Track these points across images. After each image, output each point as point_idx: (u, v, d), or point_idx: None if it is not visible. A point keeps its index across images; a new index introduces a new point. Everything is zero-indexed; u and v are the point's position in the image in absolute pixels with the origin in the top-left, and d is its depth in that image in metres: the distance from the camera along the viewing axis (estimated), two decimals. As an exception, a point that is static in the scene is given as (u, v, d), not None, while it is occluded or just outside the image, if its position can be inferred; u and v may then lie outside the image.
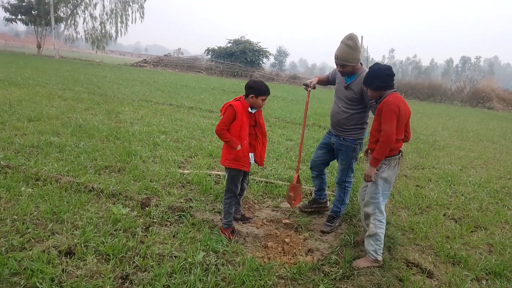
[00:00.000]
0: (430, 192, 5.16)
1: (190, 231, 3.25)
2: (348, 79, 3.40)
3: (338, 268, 2.82)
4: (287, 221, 3.71)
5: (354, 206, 4.08)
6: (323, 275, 2.75)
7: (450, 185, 5.67)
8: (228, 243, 3.09)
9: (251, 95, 3.11)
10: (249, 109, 3.16)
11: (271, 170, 5.41)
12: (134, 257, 2.72)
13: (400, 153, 2.96)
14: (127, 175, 4.48)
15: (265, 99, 3.17)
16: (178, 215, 3.56)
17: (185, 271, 2.61)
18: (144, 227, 3.25)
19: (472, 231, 3.96)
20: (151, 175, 4.57)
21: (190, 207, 3.77)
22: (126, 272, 2.53)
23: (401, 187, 5.22)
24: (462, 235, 3.80)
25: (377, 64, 2.92)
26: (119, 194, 3.86)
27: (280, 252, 3.09)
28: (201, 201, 3.98)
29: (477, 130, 13.24)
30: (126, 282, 2.44)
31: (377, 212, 2.94)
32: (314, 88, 3.61)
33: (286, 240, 3.26)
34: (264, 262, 2.85)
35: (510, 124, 17.50)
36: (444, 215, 4.37)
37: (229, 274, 2.61)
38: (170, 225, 3.39)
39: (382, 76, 2.81)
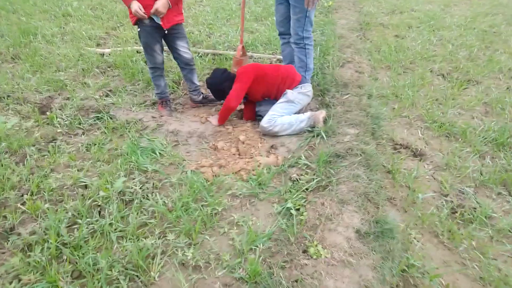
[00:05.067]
0: (412, 42, 4.31)
1: (109, 141, 2.38)
2: None
3: (310, 175, 2.09)
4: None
5: (326, 75, 3.21)
6: (291, 183, 2.05)
7: (434, 30, 4.80)
8: (163, 151, 2.26)
9: None
10: None
11: (220, 36, 4.27)
12: (20, 199, 1.88)
13: None
14: (22, 66, 3.30)
15: None
16: (93, 118, 2.62)
17: (95, 212, 1.83)
18: (44, 143, 2.34)
19: (464, 88, 3.29)
20: (57, 62, 3.40)
21: (112, 103, 2.81)
22: (5, 227, 1.72)
23: (379, 41, 4.31)
24: (453, 95, 3.13)
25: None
26: (8, 96, 2.79)
27: (233, 155, 2.33)
28: (127, 93, 3.00)
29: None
30: (7, 242, 1.66)
31: None
32: None
33: (241, 137, 2.45)
34: (212, 177, 2.09)
35: None
36: (431, 71, 3.63)
37: (158, 208, 1.82)
38: (82, 134, 2.47)
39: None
